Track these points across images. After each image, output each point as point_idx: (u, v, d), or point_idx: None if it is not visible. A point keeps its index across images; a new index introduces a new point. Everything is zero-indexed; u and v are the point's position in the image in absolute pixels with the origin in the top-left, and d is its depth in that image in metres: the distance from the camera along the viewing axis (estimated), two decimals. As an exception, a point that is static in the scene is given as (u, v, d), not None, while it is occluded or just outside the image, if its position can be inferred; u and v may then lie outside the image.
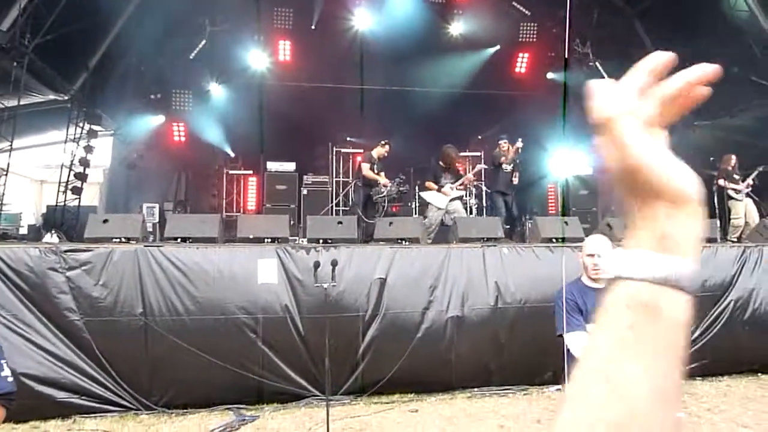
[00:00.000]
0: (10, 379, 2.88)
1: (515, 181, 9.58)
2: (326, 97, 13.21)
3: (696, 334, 7.31)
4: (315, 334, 6.24)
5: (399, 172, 9.45)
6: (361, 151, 10.60)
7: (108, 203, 13.31)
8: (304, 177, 12.11)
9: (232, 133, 14.03)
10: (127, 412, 5.98)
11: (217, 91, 13.85)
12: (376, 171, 9.07)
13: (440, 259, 6.89)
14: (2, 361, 2.85)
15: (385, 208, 8.81)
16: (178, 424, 5.74)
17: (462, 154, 11.56)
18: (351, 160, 13.40)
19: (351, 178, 11.57)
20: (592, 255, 3.49)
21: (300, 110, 13.10)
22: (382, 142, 9.18)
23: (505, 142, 9.80)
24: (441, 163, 8.97)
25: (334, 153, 13.12)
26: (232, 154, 14.46)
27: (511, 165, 9.49)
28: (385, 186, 8.91)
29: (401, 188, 9.03)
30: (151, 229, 9.94)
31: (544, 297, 6.69)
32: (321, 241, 6.87)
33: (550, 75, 14.46)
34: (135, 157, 13.33)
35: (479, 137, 11.32)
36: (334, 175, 12.81)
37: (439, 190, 8.86)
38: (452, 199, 8.71)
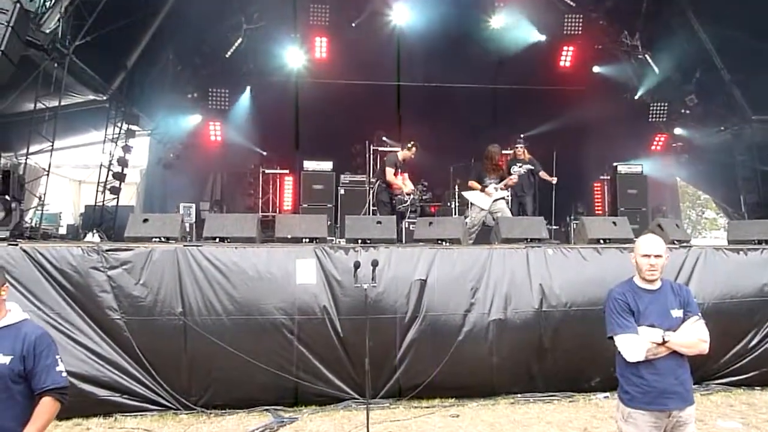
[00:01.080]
0: (64, 374, 3.01)
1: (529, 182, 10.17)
2: (363, 94, 13.28)
3: (755, 342, 7.11)
4: (354, 336, 6.30)
5: (438, 171, 9.51)
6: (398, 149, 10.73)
7: (145, 203, 13.66)
8: (341, 176, 12.06)
9: (268, 132, 14.14)
10: (167, 412, 6.15)
11: (254, 90, 14.06)
12: (400, 172, 9.03)
13: (482, 260, 6.86)
14: (57, 357, 2.99)
15: (405, 218, 8.93)
16: (216, 425, 5.88)
17: (505, 152, 11.44)
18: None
19: (373, 176, 11.01)
20: (648, 255, 3.44)
21: (336, 108, 13.17)
22: (409, 145, 8.96)
23: (521, 146, 10.38)
24: (486, 161, 8.92)
25: (371, 152, 13.05)
26: (265, 153, 14.63)
27: (520, 166, 10.03)
28: (409, 194, 8.95)
29: (423, 196, 9.14)
30: (188, 230, 10.16)
31: (591, 300, 6.62)
32: (360, 241, 6.93)
33: (596, 69, 14.20)
34: (171, 156, 13.63)
35: (521, 136, 11.26)
36: (371, 175, 12.77)
37: (482, 190, 8.81)
38: (496, 200, 8.66)
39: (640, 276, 3.45)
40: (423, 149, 9.50)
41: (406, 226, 9.68)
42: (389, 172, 8.69)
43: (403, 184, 8.96)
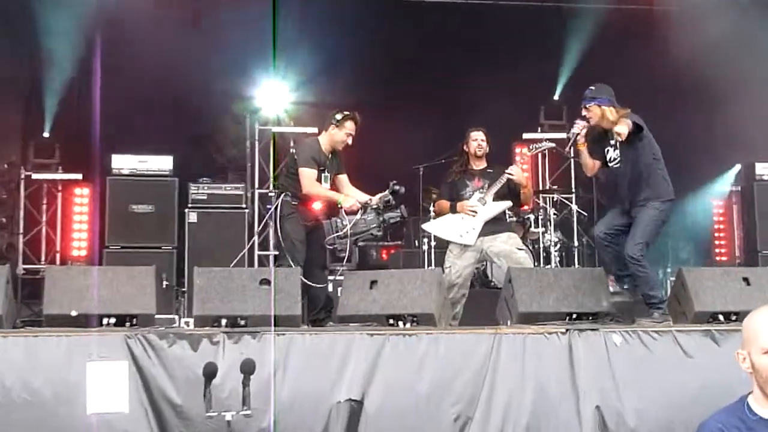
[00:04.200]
0: None
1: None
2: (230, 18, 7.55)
3: None
4: None
5: (391, 178, 5.05)
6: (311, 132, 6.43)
7: None
8: (191, 186, 6.96)
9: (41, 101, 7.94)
10: None
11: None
12: (329, 177, 4.95)
13: (477, 360, 3.76)
14: None
15: (348, 257, 5.01)
16: None
17: (527, 136, 7.49)
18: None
19: (270, 188, 6.80)
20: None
21: (176, 47, 7.11)
22: (337, 117, 4.88)
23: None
24: (460, 157, 5.25)
25: (257, 137, 7.71)
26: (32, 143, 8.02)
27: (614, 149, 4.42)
28: (355, 212, 4.73)
29: (391, 214, 5.01)
30: None
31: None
32: (224, 322, 3.74)
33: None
34: None
35: (554, 97, 7.58)
36: (256, 182, 7.53)
37: (454, 208, 5.08)
38: (489, 227, 4.98)
39: (762, 392, 1.91)
40: (368, 132, 5.20)
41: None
42: (306, 175, 4.80)
43: (338, 195, 4.93)
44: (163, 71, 7.41)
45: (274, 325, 3.80)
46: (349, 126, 4.83)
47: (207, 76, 7.67)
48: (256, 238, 6.93)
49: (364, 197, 4.78)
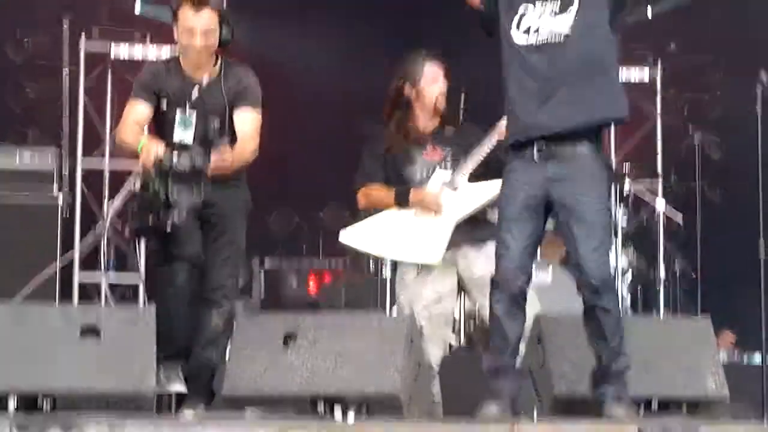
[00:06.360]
0: None
1: None
2: None
3: None
4: None
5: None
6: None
7: None
8: None
9: None
10: None
11: None
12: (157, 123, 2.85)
13: None
14: None
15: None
16: None
17: None
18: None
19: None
20: None
21: None
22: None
23: None
24: (406, 98, 3.02)
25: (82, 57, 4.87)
26: None
27: None
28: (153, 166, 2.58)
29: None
30: None
31: None
32: (13, 402, 2.25)
33: None
34: None
35: None
36: (78, 144, 4.80)
37: (402, 200, 3.15)
38: (463, 232, 2.93)
39: None
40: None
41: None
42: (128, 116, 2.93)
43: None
44: None
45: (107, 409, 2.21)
46: (185, 16, 2.74)
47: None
48: (77, 247, 4.44)
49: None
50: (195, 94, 2.68)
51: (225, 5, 2.84)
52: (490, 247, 2.64)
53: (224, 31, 2.76)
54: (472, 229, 3.00)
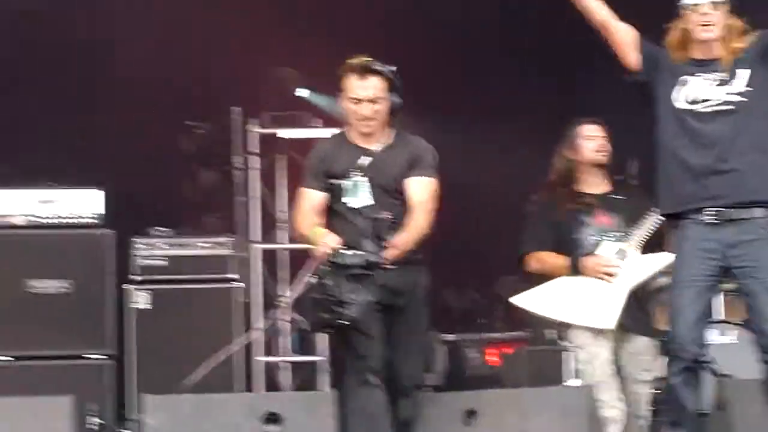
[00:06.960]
0: None
1: None
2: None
3: None
4: None
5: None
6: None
7: None
8: (138, 243, 4.41)
9: None
10: None
11: None
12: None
13: None
14: None
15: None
16: None
17: None
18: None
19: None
20: None
21: None
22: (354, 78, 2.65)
23: None
24: (569, 159, 3.11)
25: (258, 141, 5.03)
26: None
27: None
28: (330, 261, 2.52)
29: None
30: None
31: None
32: None
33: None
34: None
35: None
36: (258, 228, 5.01)
37: (575, 267, 3.05)
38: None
39: None
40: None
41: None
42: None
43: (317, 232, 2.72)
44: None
45: None
46: (351, 85, 2.67)
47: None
48: (255, 330, 4.42)
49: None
50: (365, 161, 2.64)
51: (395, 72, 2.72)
52: None
53: (394, 98, 2.66)
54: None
